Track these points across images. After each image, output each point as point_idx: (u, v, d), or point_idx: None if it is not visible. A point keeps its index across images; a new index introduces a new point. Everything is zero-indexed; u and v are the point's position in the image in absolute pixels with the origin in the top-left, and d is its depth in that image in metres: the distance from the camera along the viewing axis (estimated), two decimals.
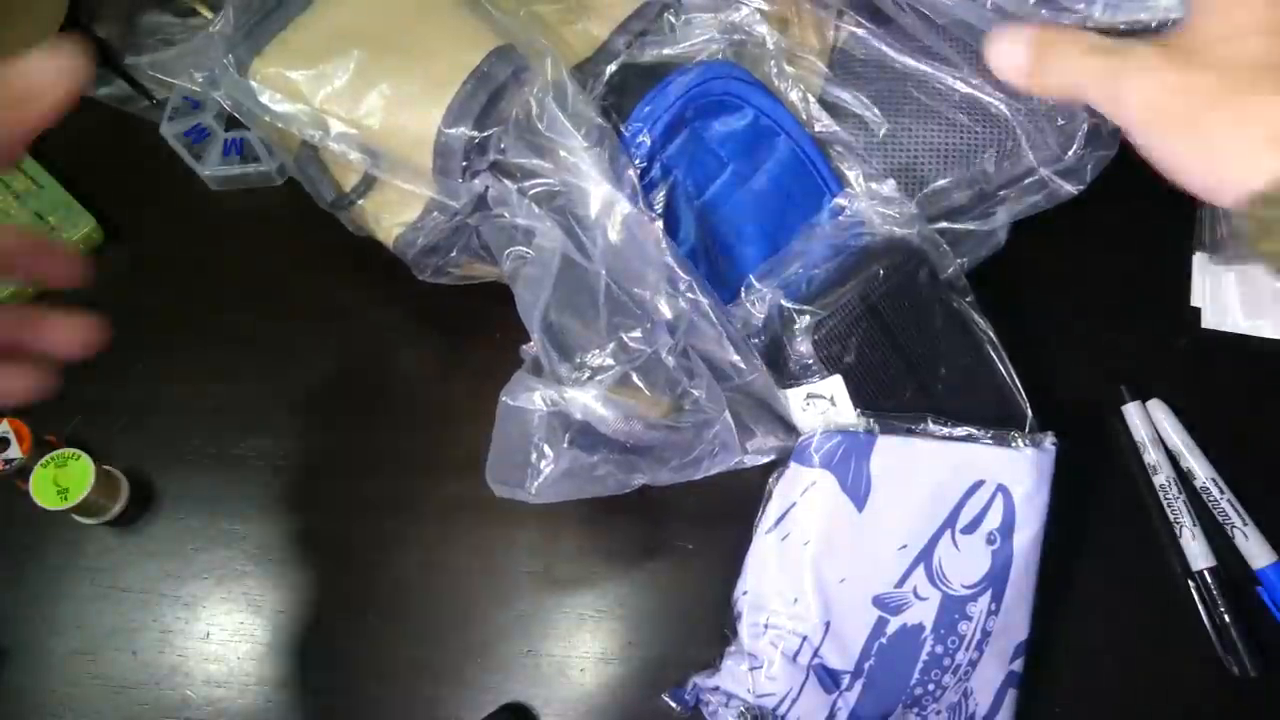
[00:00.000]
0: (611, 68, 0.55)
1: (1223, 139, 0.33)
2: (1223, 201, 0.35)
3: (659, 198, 0.54)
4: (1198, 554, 0.59)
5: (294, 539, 0.59)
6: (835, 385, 0.53)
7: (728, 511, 0.56)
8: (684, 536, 0.60)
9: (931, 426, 0.55)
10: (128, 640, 0.57)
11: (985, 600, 0.54)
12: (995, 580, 0.54)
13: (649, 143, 0.53)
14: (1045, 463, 0.55)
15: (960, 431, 0.54)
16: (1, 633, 0.57)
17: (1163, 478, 0.61)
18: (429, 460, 0.60)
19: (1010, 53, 0.38)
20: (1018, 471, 0.55)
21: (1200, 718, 0.57)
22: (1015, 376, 0.58)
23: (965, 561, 0.54)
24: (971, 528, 0.54)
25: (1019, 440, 0.55)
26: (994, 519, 0.55)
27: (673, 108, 0.53)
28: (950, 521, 0.54)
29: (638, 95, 0.53)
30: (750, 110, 0.56)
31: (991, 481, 0.55)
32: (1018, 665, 0.55)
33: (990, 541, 0.54)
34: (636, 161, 0.52)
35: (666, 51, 0.56)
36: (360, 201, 0.55)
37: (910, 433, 0.54)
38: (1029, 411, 0.57)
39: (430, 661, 0.57)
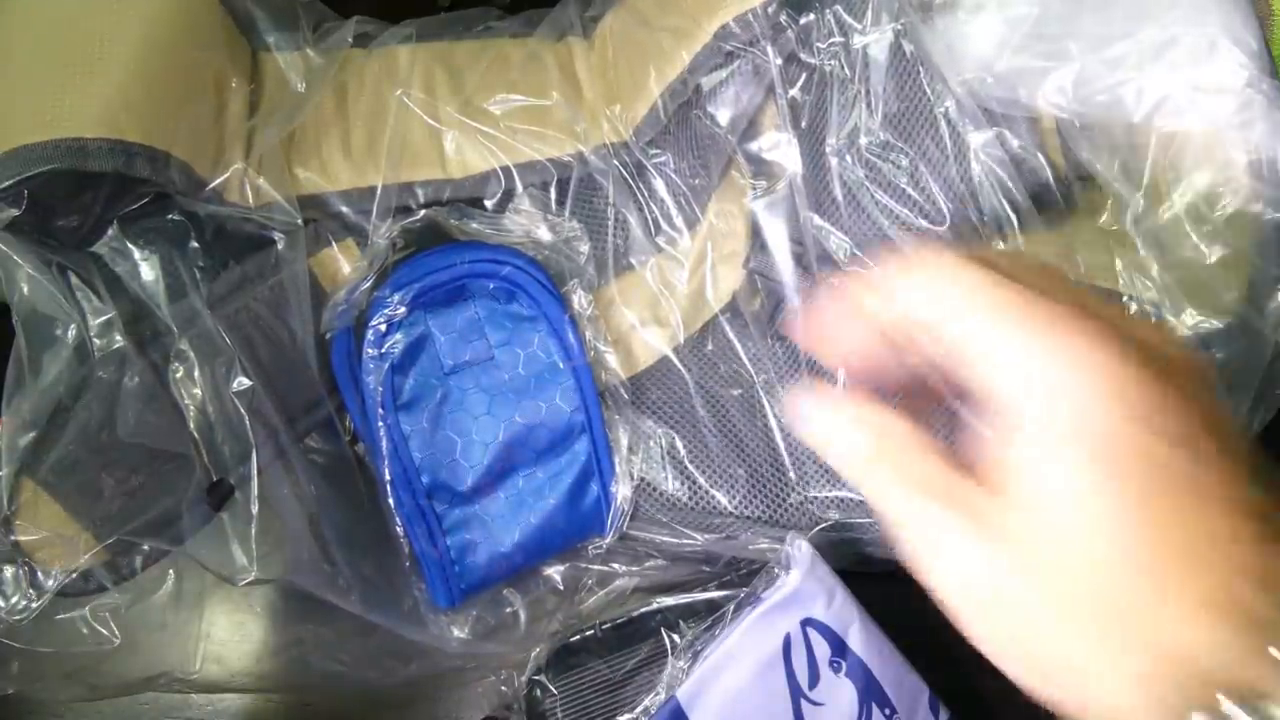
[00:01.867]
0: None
1: (1061, 664, 0.26)
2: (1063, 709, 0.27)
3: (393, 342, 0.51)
4: None
5: None
6: None
7: None
8: None
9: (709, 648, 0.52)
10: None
11: (876, 713, 0.53)
12: (868, 692, 0.53)
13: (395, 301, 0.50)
14: (808, 564, 0.53)
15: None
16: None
17: None
18: None
19: (846, 433, 0.29)
20: (800, 597, 0.53)
21: None
22: None
23: (834, 707, 0.52)
24: (815, 679, 0.53)
25: (775, 572, 0.53)
26: (822, 651, 0.53)
27: (451, 271, 0.51)
28: (795, 692, 0.52)
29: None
30: (540, 317, 0.53)
31: (793, 625, 0.53)
32: (944, 716, 0.54)
33: (837, 669, 0.53)
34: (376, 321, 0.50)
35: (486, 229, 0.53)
36: None
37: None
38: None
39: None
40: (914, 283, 0.28)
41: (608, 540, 0.54)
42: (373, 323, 0.51)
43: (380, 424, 0.51)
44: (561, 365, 0.53)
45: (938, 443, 0.28)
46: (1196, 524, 0.25)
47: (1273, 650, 0.24)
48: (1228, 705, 0.24)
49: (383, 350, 0.51)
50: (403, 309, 0.51)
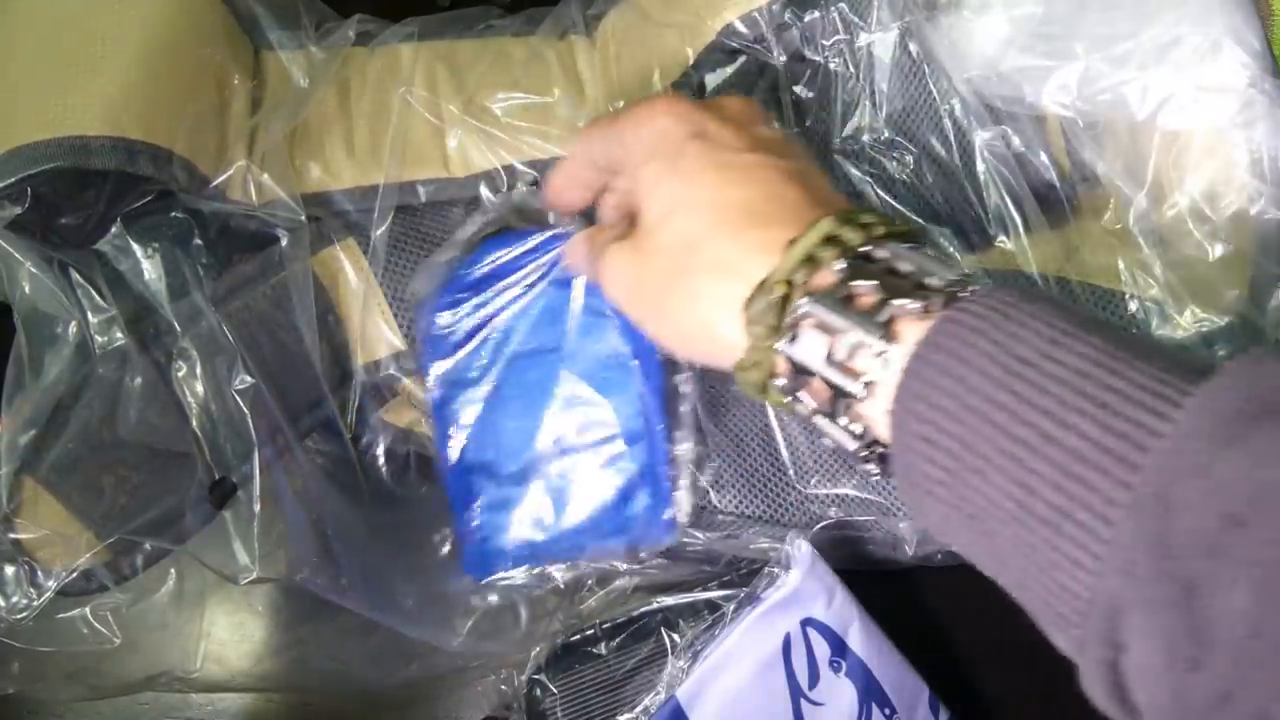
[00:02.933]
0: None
1: (684, 322, 0.36)
2: (712, 365, 0.37)
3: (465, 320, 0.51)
4: None
5: None
6: None
7: None
8: None
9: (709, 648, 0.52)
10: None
11: (876, 713, 0.53)
12: (868, 692, 0.53)
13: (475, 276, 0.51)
14: (808, 564, 0.53)
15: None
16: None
17: None
18: None
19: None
20: (800, 596, 0.53)
21: None
22: None
23: (833, 707, 0.52)
24: (815, 679, 0.53)
25: (775, 572, 0.53)
26: (822, 651, 0.53)
27: (536, 255, 0.51)
28: (795, 692, 0.52)
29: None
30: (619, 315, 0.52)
31: (793, 625, 0.53)
32: (944, 716, 0.54)
33: (836, 669, 0.53)
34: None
35: None
36: None
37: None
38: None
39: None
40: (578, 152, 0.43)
41: (653, 548, 0.53)
42: (449, 294, 0.51)
43: (436, 392, 0.51)
44: (631, 367, 0.52)
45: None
46: (758, 190, 0.35)
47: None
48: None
49: (454, 322, 0.51)
50: (480, 284, 0.51)
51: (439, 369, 0.51)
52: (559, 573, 0.53)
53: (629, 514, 0.53)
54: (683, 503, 0.53)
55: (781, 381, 0.33)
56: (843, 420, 0.32)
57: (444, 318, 0.51)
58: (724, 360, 0.35)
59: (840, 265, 0.32)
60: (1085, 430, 0.25)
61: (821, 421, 0.33)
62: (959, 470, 0.28)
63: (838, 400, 0.31)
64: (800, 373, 0.32)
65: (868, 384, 0.30)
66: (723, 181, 0.36)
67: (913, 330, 0.30)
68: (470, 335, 0.52)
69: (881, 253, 0.32)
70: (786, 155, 0.37)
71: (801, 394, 0.33)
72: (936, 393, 0.28)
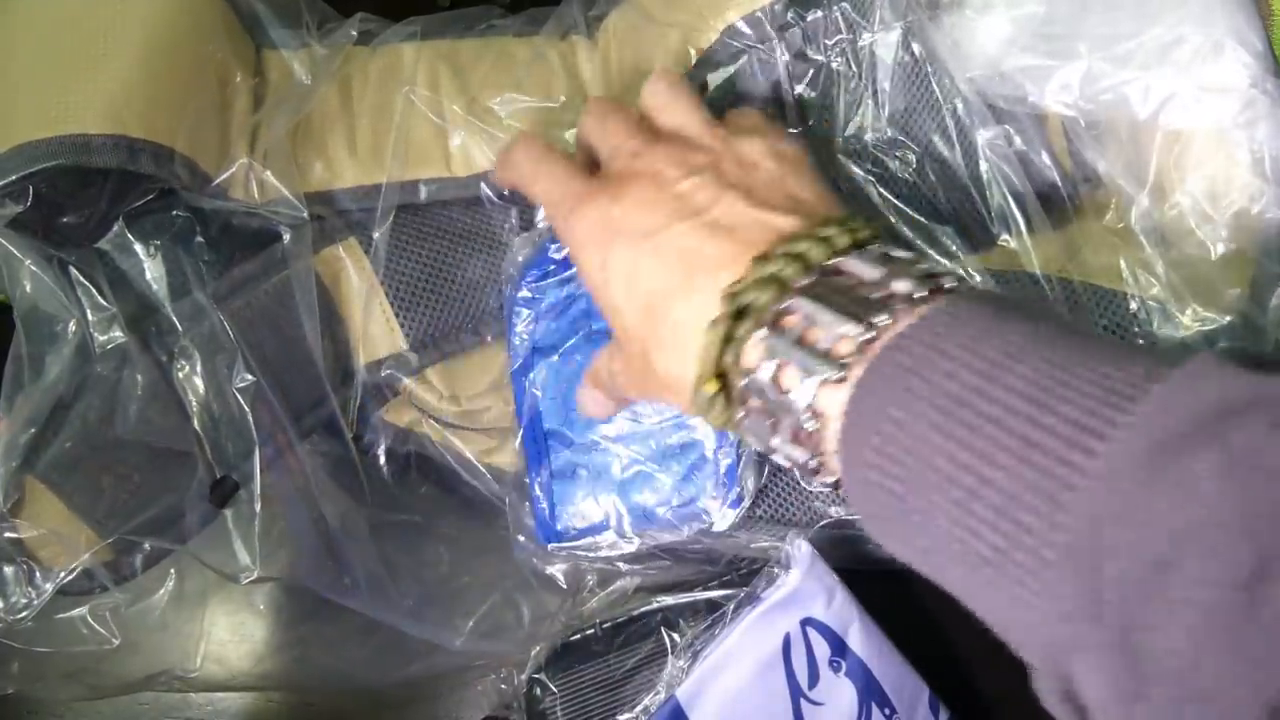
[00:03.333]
0: None
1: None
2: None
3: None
4: None
5: None
6: None
7: None
8: None
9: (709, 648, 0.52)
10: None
11: (876, 713, 0.53)
12: (868, 692, 0.53)
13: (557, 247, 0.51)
14: (808, 563, 0.53)
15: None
16: None
17: None
18: None
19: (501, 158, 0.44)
20: (800, 596, 0.53)
21: None
22: None
23: (833, 707, 0.52)
24: (814, 679, 0.53)
25: (775, 572, 0.53)
26: (822, 650, 0.53)
27: None
28: (795, 691, 0.52)
29: None
30: None
31: (793, 625, 0.53)
32: (944, 716, 0.54)
33: (836, 669, 0.53)
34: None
35: None
36: None
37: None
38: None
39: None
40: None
41: (718, 526, 0.53)
42: (539, 266, 0.51)
43: (518, 360, 0.52)
44: None
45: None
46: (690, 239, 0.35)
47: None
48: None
49: (535, 293, 0.51)
50: (562, 255, 0.51)
51: (522, 335, 0.52)
52: (625, 545, 0.52)
53: (696, 488, 0.53)
54: (748, 480, 0.52)
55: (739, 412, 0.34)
56: (793, 444, 0.32)
57: (529, 288, 0.52)
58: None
59: (783, 303, 0.32)
60: (1016, 471, 0.25)
61: (775, 443, 0.33)
62: (906, 511, 0.28)
63: (801, 392, 0.31)
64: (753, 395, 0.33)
65: (816, 414, 0.31)
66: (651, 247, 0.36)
67: (857, 363, 0.30)
68: (553, 308, 0.52)
69: (845, 267, 0.32)
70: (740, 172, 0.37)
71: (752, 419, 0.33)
72: (876, 436, 0.28)
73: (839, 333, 0.30)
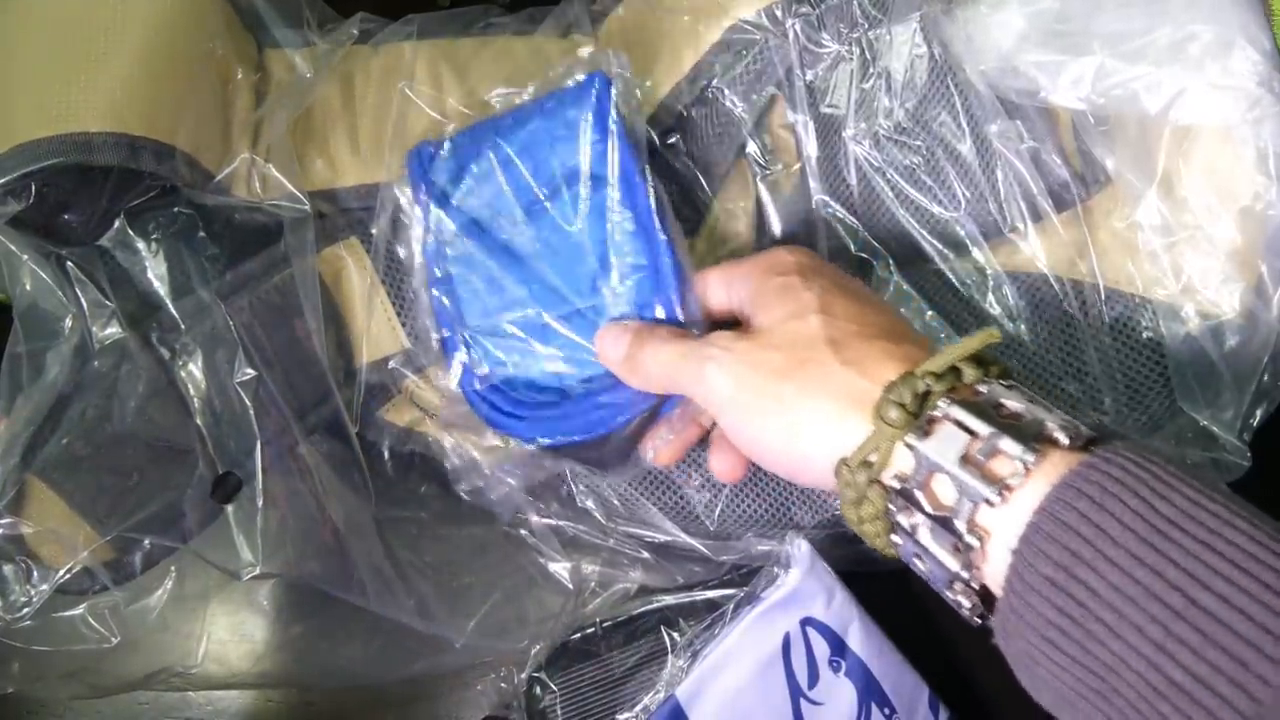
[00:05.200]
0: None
1: (796, 411, 0.35)
2: (805, 481, 0.37)
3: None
4: None
5: None
6: None
7: None
8: None
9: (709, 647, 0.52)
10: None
11: (876, 713, 0.53)
12: (868, 692, 0.53)
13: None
14: (807, 563, 0.53)
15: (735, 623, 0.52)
16: None
17: None
18: None
19: (613, 347, 0.43)
20: (799, 596, 0.53)
21: None
22: None
23: (833, 706, 0.52)
24: (814, 678, 0.53)
25: (774, 571, 0.53)
26: (822, 650, 0.53)
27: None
28: (795, 691, 0.52)
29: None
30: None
31: (792, 625, 0.53)
32: (944, 715, 0.54)
33: (836, 668, 0.53)
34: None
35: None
36: None
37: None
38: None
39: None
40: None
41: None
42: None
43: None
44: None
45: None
46: (886, 315, 0.37)
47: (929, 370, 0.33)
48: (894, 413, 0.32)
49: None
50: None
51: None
52: (563, 570, 0.52)
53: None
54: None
55: (893, 482, 0.33)
56: (960, 527, 0.31)
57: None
58: (821, 462, 0.35)
59: (984, 385, 0.32)
60: (1234, 599, 0.24)
61: (927, 535, 0.32)
62: (1084, 619, 0.27)
63: (959, 505, 0.31)
64: (916, 475, 0.32)
65: (1003, 489, 0.30)
66: (855, 300, 0.37)
67: (1056, 461, 0.30)
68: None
69: (1009, 393, 0.32)
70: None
71: (917, 494, 0.32)
72: (1073, 537, 0.27)
73: (1050, 424, 0.30)
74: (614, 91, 0.47)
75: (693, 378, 0.39)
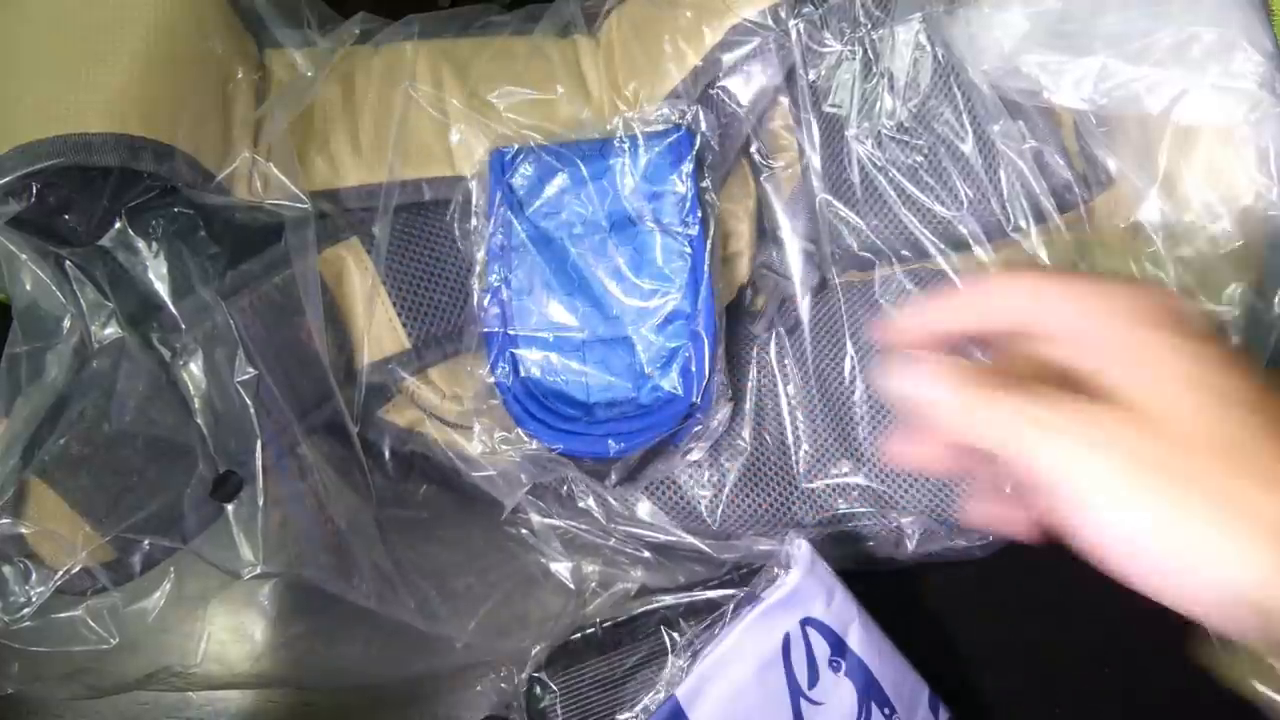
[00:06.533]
0: None
1: (1202, 529, 0.29)
2: (1184, 604, 0.30)
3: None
4: None
5: None
6: None
7: None
8: None
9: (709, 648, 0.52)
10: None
11: (876, 713, 0.53)
12: (868, 692, 0.53)
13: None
14: (807, 563, 0.53)
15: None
16: None
17: None
18: None
19: (925, 388, 0.32)
20: (799, 596, 0.53)
21: None
22: None
23: (833, 706, 0.52)
24: (814, 678, 0.53)
25: (775, 571, 0.53)
26: (822, 650, 0.53)
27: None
28: (795, 691, 0.52)
29: None
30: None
31: (792, 625, 0.53)
32: (944, 715, 0.54)
33: (836, 668, 0.53)
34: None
35: None
36: None
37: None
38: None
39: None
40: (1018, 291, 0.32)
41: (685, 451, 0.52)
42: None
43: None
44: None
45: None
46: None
47: None
48: None
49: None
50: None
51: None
52: (565, 569, 0.53)
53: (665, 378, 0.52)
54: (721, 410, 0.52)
55: None
56: None
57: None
58: (1226, 590, 0.29)
59: None
60: None
61: None
62: None
63: None
64: None
65: None
66: (1246, 384, 0.30)
67: None
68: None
69: None
70: None
71: None
72: None
73: None
74: (695, 144, 0.51)
75: (1053, 454, 0.30)
